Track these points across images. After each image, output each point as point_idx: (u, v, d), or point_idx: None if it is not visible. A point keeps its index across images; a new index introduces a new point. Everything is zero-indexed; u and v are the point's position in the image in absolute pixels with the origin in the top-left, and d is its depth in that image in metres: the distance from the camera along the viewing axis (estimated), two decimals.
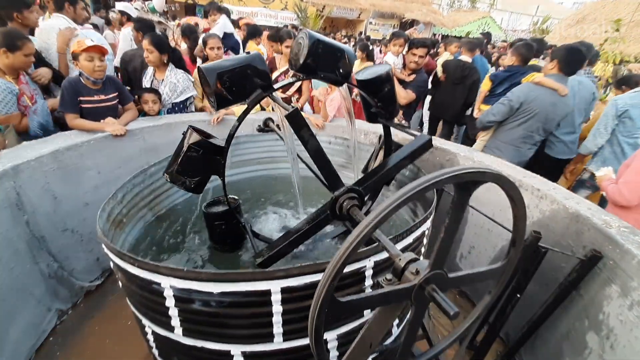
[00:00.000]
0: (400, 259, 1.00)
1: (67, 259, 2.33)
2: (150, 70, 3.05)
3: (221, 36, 4.06)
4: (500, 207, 2.40)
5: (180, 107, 3.12)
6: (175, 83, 2.96)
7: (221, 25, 4.31)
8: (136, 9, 5.38)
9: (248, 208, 2.42)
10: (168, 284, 1.14)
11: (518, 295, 1.93)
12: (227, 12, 4.59)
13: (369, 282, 1.29)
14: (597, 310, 1.73)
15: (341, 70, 1.47)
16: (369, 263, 1.25)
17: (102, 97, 2.55)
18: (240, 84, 1.35)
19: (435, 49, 5.92)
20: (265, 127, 2.61)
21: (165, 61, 2.93)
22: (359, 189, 1.38)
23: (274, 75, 3.52)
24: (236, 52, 4.37)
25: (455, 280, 1.02)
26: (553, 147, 3.39)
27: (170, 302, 1.19)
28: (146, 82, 3.04)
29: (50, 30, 3.00)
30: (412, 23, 16.97)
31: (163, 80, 2.97)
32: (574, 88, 3.08)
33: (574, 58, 2.82)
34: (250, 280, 1.10)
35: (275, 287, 1.13)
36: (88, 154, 2.31)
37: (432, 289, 0.93)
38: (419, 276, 0.92)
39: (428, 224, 1.54)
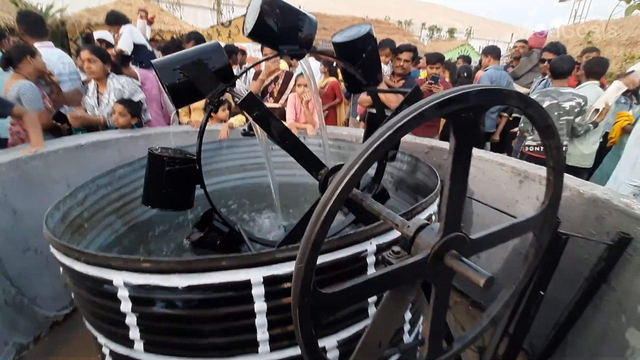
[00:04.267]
0: (408, 227, 0.80)
1: (28, 284, 2.05)
2: (91, 85, 2.81)
3: (131, 49, 3.62)
4: (508, 203, 2.22)
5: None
6: (120, 88, 2.76)
7: (127, 35, 3.61)
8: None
9: (234, 218, 2.21)
10: (121, 281, 0.91)
11: (542, 293, 1.70)
12: (127, 21, 3.87)
13: (372, 270, 1.07)
14: (635, 302, 1.51)
15: (302, 36, 1.29)
16: (370, 247, 1.04)
17: None
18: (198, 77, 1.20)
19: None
20: (250, 132, 2.47)
21: (109, 71, 2.77)
22: None
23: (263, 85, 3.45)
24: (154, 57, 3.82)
25: (480, 241, 0.81)
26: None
27: (126, 306, 0.95)
28: (89, 99, 2.80)
29: None
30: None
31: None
32: (492, 76, 4.13)
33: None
34: (223, 268, 0.88)
35: (256, 276, 0.91)
36: (56, 165, 2.11)
37: (454, 256, 0.72)
38: (432, 242, 0.71)
39: (434, 207, 1.35)
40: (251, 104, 1.08)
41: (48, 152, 2.07)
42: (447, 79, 4.44)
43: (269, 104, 3.60)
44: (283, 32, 1.22)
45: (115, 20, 3.87)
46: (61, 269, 1.14)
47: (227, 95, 3.51)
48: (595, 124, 3.24)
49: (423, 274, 0.67)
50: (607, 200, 1.69)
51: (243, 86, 3.55)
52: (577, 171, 3.41)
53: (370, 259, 1.06)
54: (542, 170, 2.13)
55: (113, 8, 13.86)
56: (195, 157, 1.31)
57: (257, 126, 1.73)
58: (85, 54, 2.65)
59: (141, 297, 0.93)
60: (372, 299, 1.12)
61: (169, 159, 1.24)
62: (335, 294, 0.57)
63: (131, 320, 0.97)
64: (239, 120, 3.05)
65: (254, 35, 1.23)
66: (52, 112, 2.68)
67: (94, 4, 14.45)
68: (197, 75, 1.17)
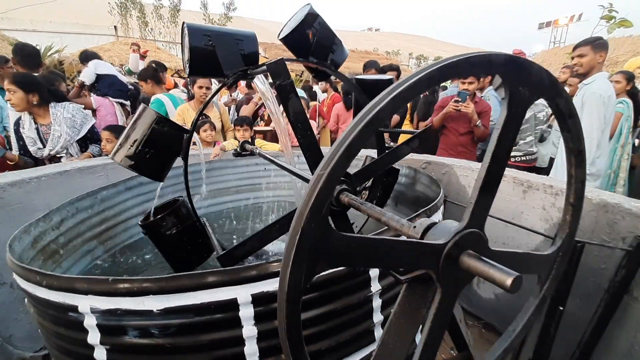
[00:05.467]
0: (414, 228, 0.71)
1: (2, 321, 1.87)
2: (25, 116, 2.48)
3: (92, 79, 3.87)
4: (513, 214, 2.13)
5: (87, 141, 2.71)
6: (70, 117, 2.54)
7: (89, 68, 3.91)
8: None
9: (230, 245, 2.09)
10: (88, 307, 0.79)
11: (561, 308, 1.56)
12: (96, 57, 4.23)
13: (375, 285, 0.96)
14: None
15: (332, 59, 1.33)
16: None
17: None
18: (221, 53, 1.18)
19: None
20: (242, 152, 2.40)
21: (35, 102, 2.43)
22: (349, 173, 1.12)
23: (253, 109, 3.43)
24: (118, 88, 4.02)
25: (497, 255, 0.71)
26: None
27: (94, 338, 0.82)
28: (27, 131, 2.48)
29: None
30: None
31: (51, 123, 2.50)
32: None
33: None
34: (204, 286, 0.77)
35: (243, 295, 0.79)
36: (37, 192, 2.00)
37: (472, 255, 0.62)
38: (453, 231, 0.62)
39: (439, 215, 1.26)
40: (278, 70, 1.02)
41: (29, 178, 1.97)
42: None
43: (261, 127, 3.58)
44: (316, 47, 1.27)
45: (85, 58, 4.23)
46: (26, 300, 1.01)
47: (212, 115, 3.49)
48: (550, 126, 3.70)
49: (434, 265, 0.57)
50: (618, 205, 1.61)
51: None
52: (537, 171, 3.63)
53: (374, 272, 0.95)
54: (544, 179, 2.06)
55: (110, 48, 14.39)
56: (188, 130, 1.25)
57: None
58: (5, 83, 2.34)
59: (111, 325, 0.80)
60: (379, 319, 0.99)
61: (161, 117, 1.15)
62: (343, 237, 0.47)
63: (100, 354, 0.83)
64: (231, 143, 3.00)
65: (288, 40, 1.26)
66: None
67: (92, 44, 14.99)
68: (225, 47, 1.14)
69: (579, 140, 0.72)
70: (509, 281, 0.56)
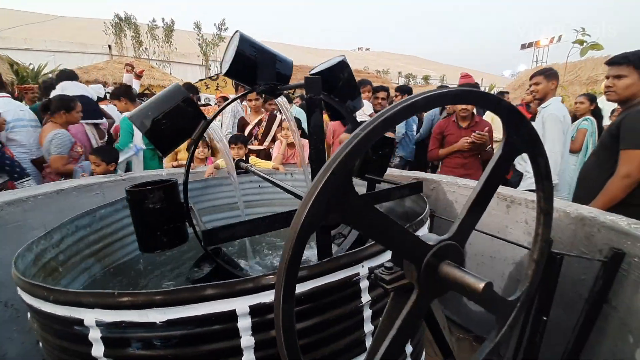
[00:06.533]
0: None
1: None
2: None
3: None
4: (498, 228, 2.22)
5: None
6: None
7: (57, 91, 3.98)
8: (107, 92, 5.54)
9: None
10: (93, 320, 0.83)
11: (544, 318, 1.63)
12: (72, 77, 4.31)
13: (366, 296, 1.01)
14: (638, 320, 1.45)
15: (349, 103, 1.49)
16: (362, 270, 1.00)
17: None
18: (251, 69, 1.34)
19: None
20: (238, 169, 2.46)
21: None
22: None
23: (248, 129, 3.52)
24: (92, 108, 3.96)
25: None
26: None
27: (98, 351, 0.85)
28: None
29: None
30: None
31: None
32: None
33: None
34: (206, 299, 0.82)
35: (241, 306, 0.84)
36: (33, 211, 2.02)
37: (449, 264, 0.69)
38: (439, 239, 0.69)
39: (425, 230, 1.33)
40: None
41: (27, 197, 1.99)
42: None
43: (254, 146, 3.66)
44: (341, 90, 1.45)
45: (58, 79, 4.38)
46: (29, 315, 1.04)
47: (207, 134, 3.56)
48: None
49: (418, 262, 0.64)
50: (594, 218, 1.70)
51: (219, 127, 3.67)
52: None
53: (364, 284, 1.01)
54: (526, 194, 2.16)
55: (104, 67, 14.52)
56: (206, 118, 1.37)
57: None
58: None
59: (115, 337, 0.84)
60: (369, 329, 1.05)
61: (189, 98, 1.29)
62: (360, 197, 0.52)
63: None
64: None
65: (318, 73, 1.42)
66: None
67: (86, 63, 15.13)
68: (265, 62, 1.29)
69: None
70: (481, 285, 0.63)
